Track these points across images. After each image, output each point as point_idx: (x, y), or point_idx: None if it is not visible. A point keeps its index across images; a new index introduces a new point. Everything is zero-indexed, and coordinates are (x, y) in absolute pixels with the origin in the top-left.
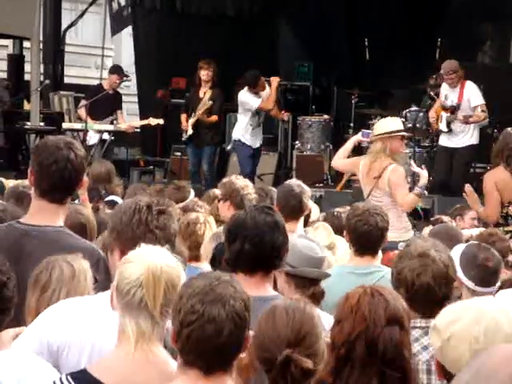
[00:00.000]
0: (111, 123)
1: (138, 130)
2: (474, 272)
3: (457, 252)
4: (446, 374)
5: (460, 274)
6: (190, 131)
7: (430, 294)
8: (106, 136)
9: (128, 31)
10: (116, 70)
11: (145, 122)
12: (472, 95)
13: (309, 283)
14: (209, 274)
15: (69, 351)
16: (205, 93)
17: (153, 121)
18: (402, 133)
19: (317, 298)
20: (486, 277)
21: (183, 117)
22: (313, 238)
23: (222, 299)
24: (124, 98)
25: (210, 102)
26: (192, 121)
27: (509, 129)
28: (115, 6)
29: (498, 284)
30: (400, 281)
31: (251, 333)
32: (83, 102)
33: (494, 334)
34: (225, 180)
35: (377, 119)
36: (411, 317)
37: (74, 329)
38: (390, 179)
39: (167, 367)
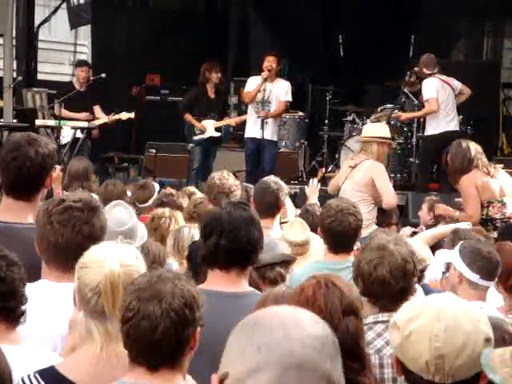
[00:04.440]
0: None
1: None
2: (482, 263)
3: (456, 249)
4: (404, 371)
5: (462, 267)
6: (214, 133)
7: (386, 286)
8: (79, 134)
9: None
10: (79, 63)
11: (116, 117)
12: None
13: (263, 268)
14: (153, 271)
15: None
16: (215, 93)
17: (124, 115)
18: (389, 141)
19: (275, 281)
20: (491, 269)
21: (189, 117)
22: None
23: (159, 296)
24: None
25: (245, 117)
26: (218, 124)
27: (456, 142)
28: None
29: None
30: (358, 272)
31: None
32: (56, 104)
33: (454, 331)
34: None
35: (351, 116)
36: (363, 306)
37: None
38: (369, 175)
39: None
